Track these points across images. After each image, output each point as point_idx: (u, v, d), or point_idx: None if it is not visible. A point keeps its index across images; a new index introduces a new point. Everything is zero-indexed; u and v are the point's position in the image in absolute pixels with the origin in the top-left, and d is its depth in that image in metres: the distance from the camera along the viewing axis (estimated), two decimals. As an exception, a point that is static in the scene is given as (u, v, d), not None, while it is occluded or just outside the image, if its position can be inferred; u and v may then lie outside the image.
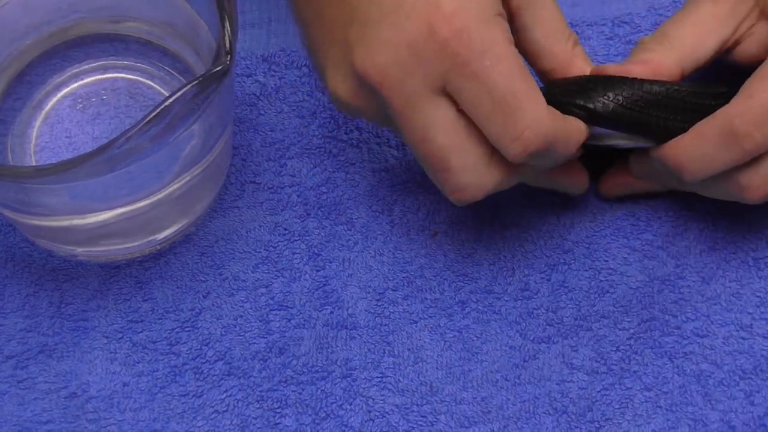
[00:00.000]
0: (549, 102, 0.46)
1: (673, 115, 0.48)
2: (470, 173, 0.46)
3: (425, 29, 0.44)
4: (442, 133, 0.46)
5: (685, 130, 0.48)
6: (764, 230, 0.52)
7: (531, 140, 0.45)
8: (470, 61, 0.44)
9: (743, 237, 0.52)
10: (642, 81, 0.47)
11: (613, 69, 0.48)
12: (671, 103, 0.47)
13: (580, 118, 0.47)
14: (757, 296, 0.51)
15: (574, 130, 0.47)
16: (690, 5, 0.49)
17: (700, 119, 0.47)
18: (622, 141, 0.48)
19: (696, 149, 0.47)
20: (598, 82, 0.47)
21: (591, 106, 0.47)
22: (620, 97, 0.47)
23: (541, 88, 0.47)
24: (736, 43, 0.49)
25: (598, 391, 0.50)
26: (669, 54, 0.48)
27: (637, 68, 0.48)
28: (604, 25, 0.55)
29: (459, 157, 0.46)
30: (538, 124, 0.45)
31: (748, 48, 0.49)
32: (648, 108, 0.47)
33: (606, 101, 0.47)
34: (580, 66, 0.48)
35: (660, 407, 0.50)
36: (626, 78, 0.47)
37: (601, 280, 0.52)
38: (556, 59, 0.48)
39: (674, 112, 0.48)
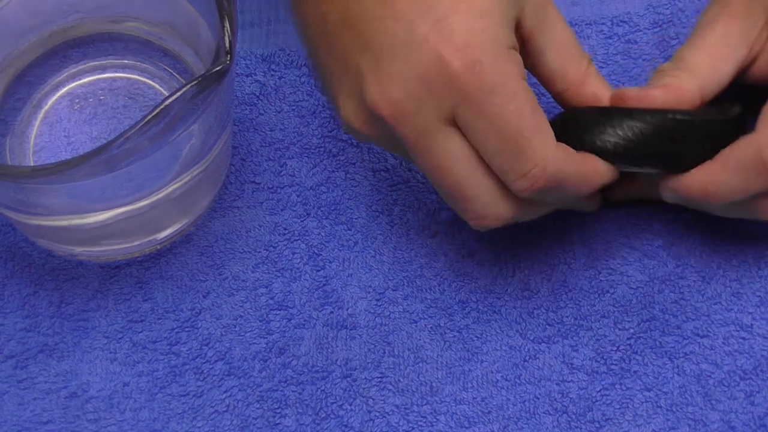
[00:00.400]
0: (564, 134, 0.46)
1: (690, 146, 0.47)
2: (486, 202, 0.46)
3: (436, 61, 0.44)
4: (456, 164, 0.46)
5: (702, 157, 0.47)
6: (765, 230, 0.52)
7: (537, 178, 0.45)
8: (479, 98, 0.44)
9: (744, 236, 0.52)
10: (654, 112, 0.47)
11: (634, 93, 0.47)
12: (686, 133, 0.47)
13: (592, 152, 0.47)
14: (758, 296, 0.51)
15: (589, 169, 0.47)
16: (703, 28, 0.49)
17: (718, 146, 0.47)
18: (640, 170, 0.48)
19: (724, 179, 0.47)
20: (611, 116, 0.47)
21: (598, 143, 0.47)
22: (630, 132, 0.47)
23: (558, 116, 0.47)
24: (752, 62, 0.49)
25: (598, 391, 0.50)
26: (689, 80, 0.48)
27: (658, 92, 0.47)
28: (603, 24, 0.55)
29: (474, 187, 0.46)
30: (546, 162, 0.45)
31: (763, 66, 0.49)
32: (662, 141, 0.47)
33: (615, 138, 0.47)
34: (594, 85, 0.48)
35: (660, 407, 0.50)
36: (636, 110, 0.47)
37: (601, 280, 0.52)
38: (569, 81, 0.48)
39: (691, 142, 0.47)
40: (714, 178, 0.47)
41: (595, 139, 0.47)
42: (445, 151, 0.46)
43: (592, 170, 0.47)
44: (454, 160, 0.46)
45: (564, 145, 0.46)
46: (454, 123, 0.45)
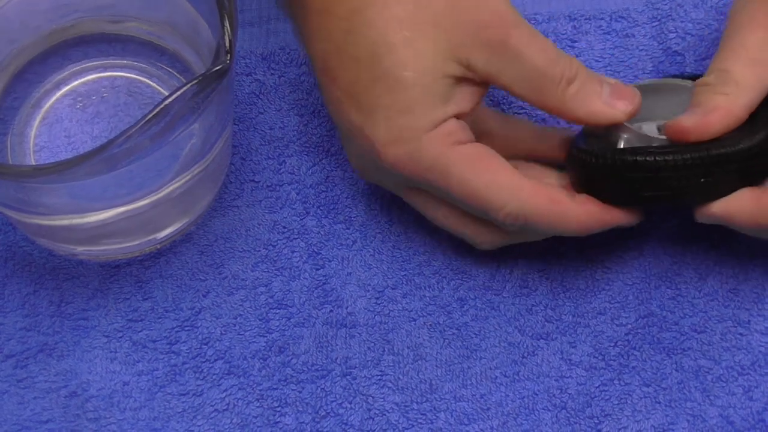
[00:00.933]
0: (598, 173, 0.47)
1: (721, 177, 0.46)
2: (476, 235, 0.49)
3: (373, 150, 0.47)
4: (435, 213, 0.49)
5: (731, 185, 0.47)
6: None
7: (509, 220, 0.46)
8: (422, 180, 0.47)
9: (740, 234, 0.52)
10: (687, 149, 0.46)
11: (692, 125, 0.46)
12: (720, 167, 0.46)
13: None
14: (755, 292, 0.52)
15: (560, 210, 0.47)
16: (740, 34, 0.47)
17: (747, 171, 0.46)
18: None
19: (757, 212, 0.47)
20: (635, 167, 0.46)
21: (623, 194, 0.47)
22: (665, 183, 0.46)
23: (588, 151, 0.47)
24: None
25: (597, 387, 0.50)
26: (740, 97, 0.47)
27: (715, 120, 0.46)
28: (602, 19, 0.55)
29: (460, 225, 0.49)
30: (508, 208, 0.46)
31: None
32: (695, 177, 0.46)
33: (646, 191, 0.47)
34: (574, 111, 0.47)
35: (659, 403, 0.50)
36: (667, 151, 0.46)
37: (598, 278, 0.52)
38: (548, 108, 0.47)
39: (722, 173, 0.46)
40: (745, 212, 0.47)
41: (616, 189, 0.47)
42: (420, 205, 0.49)
43: (562, 212, 0.47)
44: (432, 210, 0.49)
45: (532, 183, 0.46)
46: (420, 190, 0.48)
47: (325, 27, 0.46)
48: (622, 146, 0.47)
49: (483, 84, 0.47)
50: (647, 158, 0.46)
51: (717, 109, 0.46)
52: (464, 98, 0.47)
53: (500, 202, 0.46)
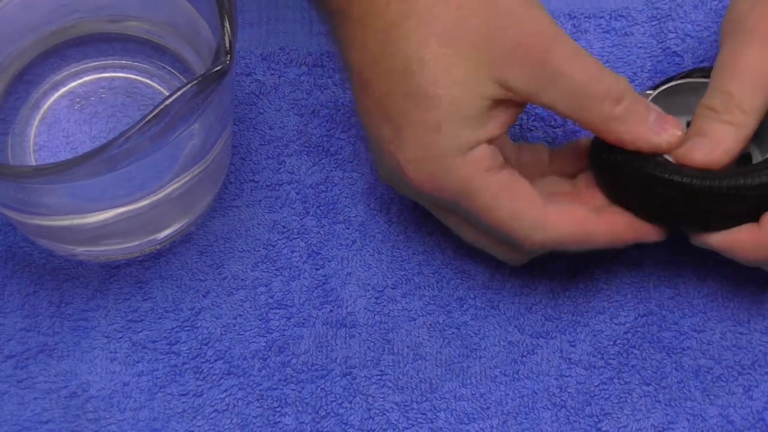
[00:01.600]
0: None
1: (716, 210, 0.47)
2: (503, 253, 0.49)
3: (400, 168, 0.46)
4: (466, 232, 0.49)
5: (727, 221, 0.47)
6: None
7: (534, 248, 0.47)
8: (450, 204, 0.46)
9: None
10: (684, 182, 0.46)
11: (701, 156, 0.46)
12: (718, 200, 0.46)
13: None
14: (754, 292, 0.52)
15: (598, 229, 0.47)
16: (743, 52, 0.47)
17: (742, 207, 0.46)
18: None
19: (752, 250, 0.47)
20: (650, 183, 0.46)
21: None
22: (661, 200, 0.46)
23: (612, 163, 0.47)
24: None
25: (596, 386, 0.50)
26: (746, 123, 0.46)
27: (722, 153, 0.46)
28: (601, 17, 0.55)
29: (488, 246, 0.49)
30: (533, 239, 0.46)
31: None
32: (688, 206, 0.46)
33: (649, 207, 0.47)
34: (618, 132, 0.46)
35: (659, 402, 0.50)
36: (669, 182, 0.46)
37: (597, 277, 0.52)
38: (591, 127, 0.46)
39: (717, 207, 0.47)
40: (742, 246, 0.47)
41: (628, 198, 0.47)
42: (451, 224, 0.49)
43: (588, 233, 0.47)
44: (464, 231, 0.49)
45: (557, 211, 0.46)
46: (449, 211, 0.48)
47: (362, 37, 0.46)
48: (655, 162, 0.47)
49: (521, 105, 0.46)
50: (684, 179, 0.46)
51: (724, 141, 0.46)
52: (499, 122, 0.46)
53: (525, 233, 0.46)
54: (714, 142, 0.46)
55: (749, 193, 0.46)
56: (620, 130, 0.46)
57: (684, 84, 0.49)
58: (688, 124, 0.48)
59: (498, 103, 0.46)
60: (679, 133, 0.47)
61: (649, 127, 0.46)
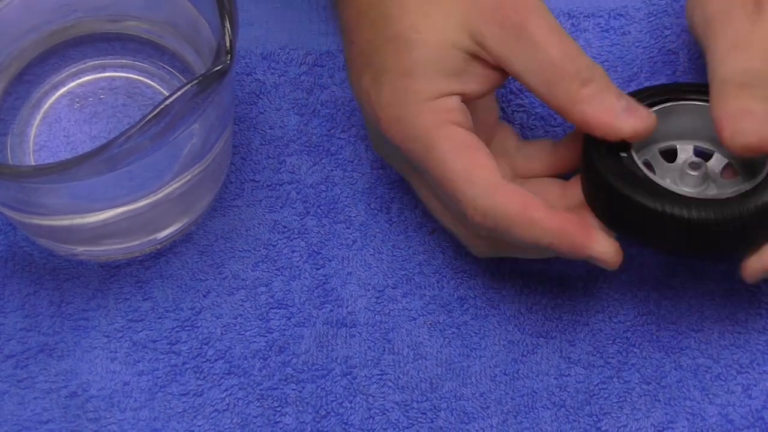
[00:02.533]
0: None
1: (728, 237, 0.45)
2: (464, 236, 0.48)
3: (374, 116, 0.47)
4: (430, 201, 0.48)
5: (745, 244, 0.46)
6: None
7: (477, 220, 0.45)
8: (407, 149, 0.46)
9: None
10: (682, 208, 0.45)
11: (755, 140, 0.44)
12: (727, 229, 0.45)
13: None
14: (751, 291, 0.52)
15: (545, 222, 0.45)
16: (738, 31, 0.46)
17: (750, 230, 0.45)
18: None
19: None
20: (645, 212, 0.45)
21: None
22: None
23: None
24: None
25: (596, 385, 0.51)
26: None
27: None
28: (600, 17, 0.55)
29: (450, 223, 0.48)
30: (476, 204, 0.45)
31: None
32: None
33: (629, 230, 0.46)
34: (582, 113, 0.45)
35: (658, 401, 0.50)
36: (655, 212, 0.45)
37: (596, 277, 0.52)
38: (558, 105, 0.45)
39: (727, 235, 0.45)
40: None
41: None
42: (418, 189, 0.49)
43: (534, 221, 0.45)
44: (426, 198, 0.48)
45: (511, 187, 0.45)
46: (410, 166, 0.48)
47: None
48: (639, 173, 0.46)
49: (495, 69, 0.46)
50: (675, 211, 0.45)
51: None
52: (473, 79, 0.46)
53: (472, 194, 0.45)
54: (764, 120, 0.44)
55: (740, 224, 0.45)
56: (584, 111, 0.45)
57: (673, 107, 0.48)
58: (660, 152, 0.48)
59: (473, 58, 0.46)
60: (651, 122, 0.45)
61: (615, 113, 0.45)
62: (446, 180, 0.45)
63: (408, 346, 0.51)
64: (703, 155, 0.49)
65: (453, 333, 0.51)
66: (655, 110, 0.48)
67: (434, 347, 0.51)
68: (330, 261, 0.52)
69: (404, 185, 0.53)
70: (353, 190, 0.53)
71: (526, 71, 0.45)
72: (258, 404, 0.50)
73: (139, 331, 0.51)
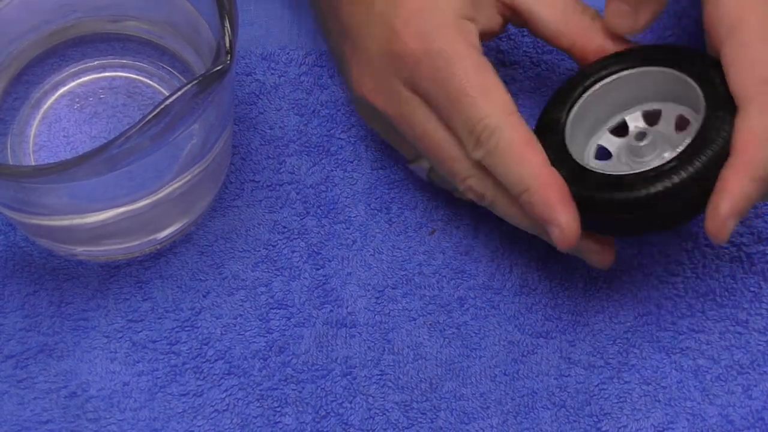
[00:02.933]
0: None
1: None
2: (466, 166, 0.48)
3: (390, 32, 0.47)
4: (430, 128, 0.48)
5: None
6: (756, 226, 0.53)
7: (488, 131, 0.46)
8: (426, 63, 0.47)
9: (735, 233, 0.52)
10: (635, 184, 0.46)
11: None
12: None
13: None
14: (751, 291, 0.52)
15: (539, 166, 0.46)
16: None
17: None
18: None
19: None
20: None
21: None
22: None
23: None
24: None
25: (596, 386, 0.51)
26: None
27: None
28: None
29: (451, 148, 0.48)
30: (489, 120, 0.46)
31: None
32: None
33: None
34: (599, 42, 0.48)
35: (659, 401, 0.50)
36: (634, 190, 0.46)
37: (596, 277, 0.52)
38: (571, 37, 0.48)
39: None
40: (758, 161, 0.45)
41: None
42: (417, 117, 0.48)
43: (528, 158, 0.46)
44: (426, 125, 0.48)
45: (521, 119, 0.46)
46: (417, 91, 0.48)
47: None
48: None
49: (504, 11, 0.48)
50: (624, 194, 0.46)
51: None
52: (485, 14, 0.48)
53: (487, 110, 0.46)
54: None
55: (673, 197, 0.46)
56: (600, 37, 0.49)
57: (615, 80, 0.49)
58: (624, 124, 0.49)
59: None
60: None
61: (613, 38, 0.49)
62: (464, 94, 0.46)
63: (408, 347, 0.51)
64: (653, 116, 0.49)
65: (453, 333, 0.51)
66: (597, 89, 0.49)
67: (434, 347, 0.51)
68: (330, 261, 0.52)
69: (404, 185, 0.53)
70: (353, 191, 0.53)
71: (536, 5, 0.48)
72: (258, 404, 0.50)
73: (139, 332, 0.51)
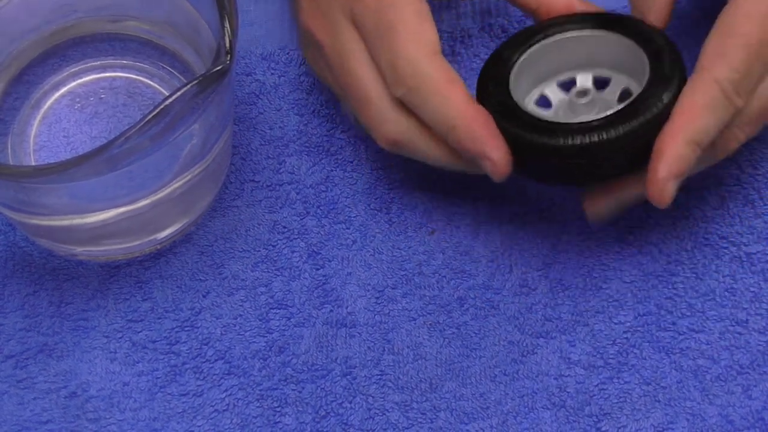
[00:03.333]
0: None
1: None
2: (384, 108, 0.48)
3: None
4: (358, 63, 0.48)
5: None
6: (755, 225, 0.53)
7: (408, 72, 0.46)
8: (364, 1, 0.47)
9: (735, 232, 0.52)
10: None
11: None
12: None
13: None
14: (751, 291, 0.52)
15: (461, 102, 0.47)
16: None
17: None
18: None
19: (703, 125, 0.47)
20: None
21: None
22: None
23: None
24: None
25: (596, 386, 0.51)
26: None
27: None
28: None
29: (374, 89, 0.48)
30: (417, 57, 0.46)
31: None
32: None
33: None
34: (566, 3, 0.49)
35: (658, 401, 0.50)
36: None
37: (595, 277, 0.52)
38: None
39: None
40: (696, 128, 0.47)
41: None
42: (348, 48, 0.48)
43: (449, 93, 0.46)
44: (357, 59, 0.48)
45: (448, 65, 0.47)
46: (355, 22, 0.48)
47: None
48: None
49: None
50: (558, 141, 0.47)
51: None
52: None
53: (412, 47, 0.46)
54: None
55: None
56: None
57: (543, 46, 0.50)
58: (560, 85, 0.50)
59: None
60: None
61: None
62: (395, 29, 0.46)
63: (408, 347, 0.51)
64: (602, 83, 0.50)
65: (453, 333, 0.51)
66: (555, 40, 0.50)
67: (434, 348, 0.51)
68: (330, 261, 0.52)
69: (404, 185, 0.53)
70: (353, 191, 0.53)
71: None
72: (258, 404, 0.50)
73: (139, 332, 0.51)
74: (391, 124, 0.48)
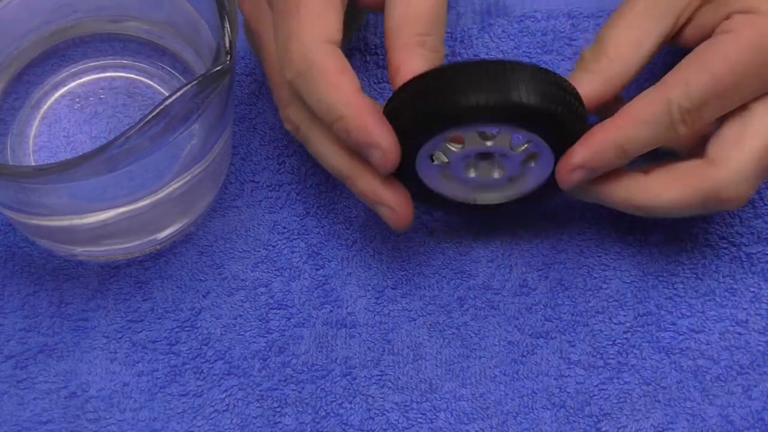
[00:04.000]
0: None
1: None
2: (290, 91, 0.47)
3: None
4: (268, 44, 0.47)
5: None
6: (755, 226, 0.53)
7: (298, 56, 0.45)
8: None
9: (735, 233, 0.52)
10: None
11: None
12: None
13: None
14: (752, 291, 0.52)
15: (350, 90, 0.45)
16: (625, 4, 0.48)
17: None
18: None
19: (635, 134, 0.46)
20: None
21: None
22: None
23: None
24: (678, 32, 0.49)
25: (596, 386, 0.51)
26: (608, 71, 0.47)
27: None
28: (600, 17, 0.55)
29: (280, 73, 0.47)
30: (309, 41, 0.45)
31: (689, 36, 0.49)
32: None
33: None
34: (403, 71, 0.46)
35: (658, 402, 0.50)
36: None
37: (595, 277, 0.52)
38: (391, 55, 0.46)
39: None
40: (627, 135, 0.46)
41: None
42: (264, 30, 0.47)
43: (339, 81, 0.45)
44: (266, 40, 0.47)
45: (341, 54, 0.45)
46: (270, 3, 0.47)
47: None
48: None
49: None
50: None
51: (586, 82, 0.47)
52: None
53: (307, 30, 0.45)
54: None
55: None
56: (407, 66, 0.46)
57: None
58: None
59: None
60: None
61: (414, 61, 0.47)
62: (294, 11, 0.45)
63: (407, 347, 0.51)
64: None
65: (452, 333, 0.51)
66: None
67: (434, 348, 0.51)
68: (330, 261, 0.52)
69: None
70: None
71: (391, 8, 0.46)
72: (258, 405, 0.50)
73: (139, 332, 0.51)
74: (291, 109, 0.47)
